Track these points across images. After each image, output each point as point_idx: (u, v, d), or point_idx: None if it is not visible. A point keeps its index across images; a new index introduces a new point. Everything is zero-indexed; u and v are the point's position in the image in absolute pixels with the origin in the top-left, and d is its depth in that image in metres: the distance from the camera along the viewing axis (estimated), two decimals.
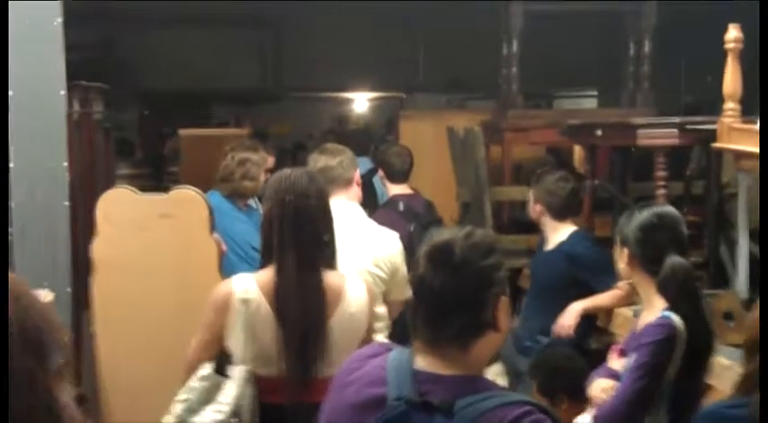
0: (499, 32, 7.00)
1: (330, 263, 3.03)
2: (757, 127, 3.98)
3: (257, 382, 2.92)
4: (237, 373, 2.89)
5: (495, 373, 4.88)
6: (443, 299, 1.97)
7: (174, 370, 3.04)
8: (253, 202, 5.09)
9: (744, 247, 4.32)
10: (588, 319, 4.66)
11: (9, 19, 3.76)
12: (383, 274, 3.81)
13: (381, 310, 3.80)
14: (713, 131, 4.31)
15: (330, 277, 2.98)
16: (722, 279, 4.64)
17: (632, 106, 6.99)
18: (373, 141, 9.15)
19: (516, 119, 6.75)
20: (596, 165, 5.55)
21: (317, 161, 3.93)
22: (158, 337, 4.03)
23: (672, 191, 4.93)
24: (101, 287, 4.16)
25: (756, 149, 3.84)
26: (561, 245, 4.72)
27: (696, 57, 8.74)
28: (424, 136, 7.50)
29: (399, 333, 3.51)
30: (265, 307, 2.90)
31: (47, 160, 4.13)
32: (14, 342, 1.47)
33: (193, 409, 2.88)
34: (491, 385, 2.01)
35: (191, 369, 2.95)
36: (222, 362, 2.95)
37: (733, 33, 4.07)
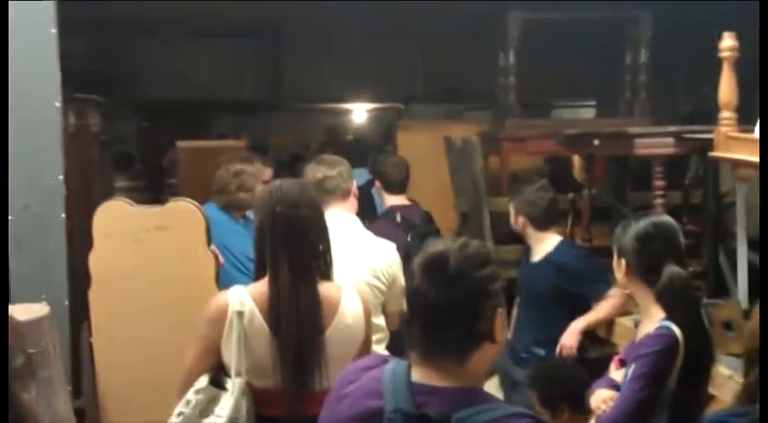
0: (497, 42, 7.00)
1: (326, 274, 3.01)
2: (754, 135, 3.98)
3: (253, 395, 2.91)
4: (233, 385, 2.88)
5: (495, 386, 4.87)
6: (438, 310, 1.96)
7: (171, 382, 3.02)
8: (250, 214, 5.07)
9: (743, 256, 4.32)
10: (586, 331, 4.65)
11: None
12: (381, 285, 3.81)
13: (380, 321, 3.79)
14: (710, 140, 4.31)
15: (326, 289, 2.96)
16: (722, 288, 4.63)
17: (630, 116, 6.99)
18: (371, 152, 9.15)
19: (514, 129, 6.75)
20: (594, 174, 5.54)
21: (316, 172, 3.93)
22: (156, 348, 4.02)
23: (670, 200, 4.93)
24: (98, 299, 4.15)
25: (753, 158, 3.84)
26: (548, 255, 4.72)
27: (693, 66, 8.75)
28: (423, 146, 7.48)
29: (398, 344, 3.50)
30: (259, 319, 2.88)
31: (42, 173, 4.13)
32: None
33: (191, 421, 2.88)
34: (489, 397, 1.99)
35: (187, 381, 2.94)
36: (218, 374, 2.93)
37: (728, 42, 4.07)
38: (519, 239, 5.12)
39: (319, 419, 2.18)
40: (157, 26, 9.65)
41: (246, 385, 2.89)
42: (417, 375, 1.99)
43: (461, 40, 9.28)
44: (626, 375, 3.07)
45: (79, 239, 4.44)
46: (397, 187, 5.43)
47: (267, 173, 5.77)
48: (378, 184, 5.53)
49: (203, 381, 2.92)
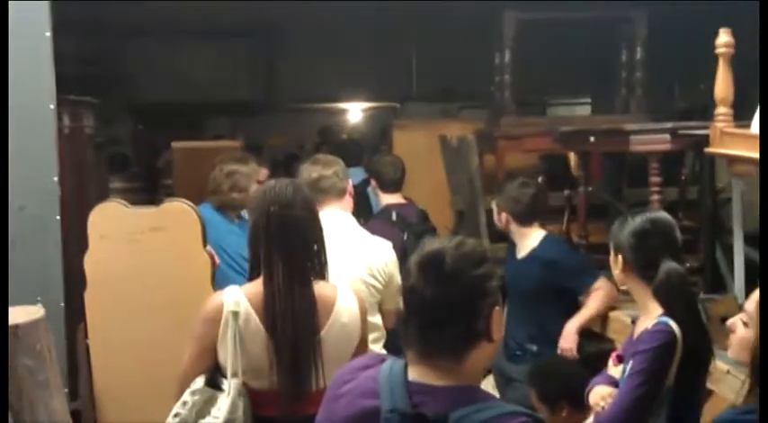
0: (492, 42, 7.00)
1: (321, 273, 3.01)
2: (750, 131, 3.98)
3: (250, 395, 2.90)
4: (230, 386, 2.87)
5: (491, 385, 4.87)
6: (435, 309, 1.95)
7: (168, 383, 3.02)
8: (245, 214, 5.06)
9: (739, 252, 4.32)
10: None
11: None
12: (378, 284, 3.80)
13: (376, 320, 3.79)
14: (706, 136, 4.31)
15: (321, 288, 2.95)
16: (718, 284, 4.64)
17: (626, 113, 6.98)
18: (366, 151, 9.14)
19: (509, 127, 6.74)
20: (590, 171, 5.54)
21: (311, 171, 3.93)
22: (152, 349, 4.01)
23: (667, 196, 4.92)
24: (94, 300, 4.14)
25: (749, 154, 3.84)
26: (534, 251, 4.74)
27: (688, 62, 8.75)
28: (418, 145, 7.48)
29: (395, 343, 3.50)
30: (254, 319, 2.87)
31: (37, 175, 4.12)
32: None
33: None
34: (486, 396, 1.99)
35: (184, 382, 2.93)
36: (215, 375, 2.93)
37: (724, 38, 4.07)
38: None
39: (316, 419, 2.17)
40: (152, 27, 9.64)
41: (243, 386, 2.89)
42: (414, 374, 1.98)
43: (457, 40, 9.27)
44: (624, 371, 3.06)
45: (74, 241, 4.43)
46: (393, 186, 5.43)
47: (262, 173, 5.76)
48: (373, 182, 5.54)
49: (200, 382, 2.91)
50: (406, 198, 5.53)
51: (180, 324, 3.48)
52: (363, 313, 3.05)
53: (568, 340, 4.55)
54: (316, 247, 3.00)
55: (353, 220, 4.01)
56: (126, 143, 10.71)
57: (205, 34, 10.34)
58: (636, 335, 3.14)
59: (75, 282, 4.25)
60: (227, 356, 2.87)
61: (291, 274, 2.89)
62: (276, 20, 9.82)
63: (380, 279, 3.82)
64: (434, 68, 10.31)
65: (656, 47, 7.14)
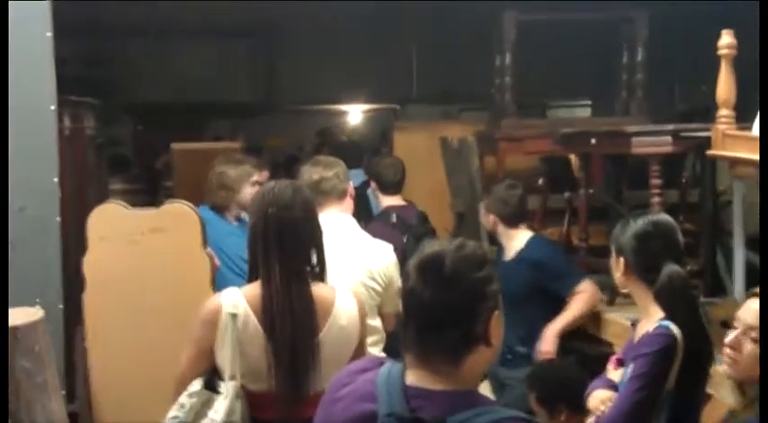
0: (493, 43, 6.99)
1: (320, 276, 3.00)
2: (752, 133, 3.96)
3: (248, 398, 2.89)
4: (227, 388, 2.86)
5: (488, 390, 4.87)
6: (433, 312, 1.93)
7: (166, 385, 3.01)
8: (245, 216, 5.06)
9: (740, 255, 4.31)
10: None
11: None
12: (378, 287, 3.79)
13: (376, 322, 3.78)
14: (707, 139, 4.30)
15: (320, 290, 2.95)
16: (719, 287, 4.63)
17: (626, 115, 6.97)
18: (366, 153, 9.14)
19: (510, 129, 6.73)
20: (591, 173, 5.53)
21: (312, 173, 3.92)
22: (151, 351, 4.00)
23: (667, 199, 4.91)
24: (93, 302, 4.13)
25: (751, 156, 3.83)
26: (521, 252, 4.75)
27: (688, 64, 8.75)
28: (419, 147, 7.48)
29: (394, 346, 3.49)
30: (253, 321, 2.87)
31: (38, 176, 4.11)
32: None
33: None
34: (485, 400, 1.97)
35: (182, 384, 2.92)
36: (213, 377, 2.92)
37: (726, 39, 4.06)
38: None
39: (315, 421, 2.15)
40: (152, 28, 9.64)
41: (241, 388, 2.88)
42: (412, 378, 1.96)
43: (457, 41, 9.28)
44: (624, 375, 3.05)
45: (74, 242, 4.42)
46: (393, 188, 5.42)
47: (263, 175, 5.75)
48: (373, 184, 5.53)
49: (197, 384, 2.90)
50: (406, 200, 5.52)
51: (179, 326, 3.47)
52: (362, 316, 3.05)
53: (548, 343, 4.57)
54: (314, 249, 2.99)
55: (354, 222, 4.00)
56: (126, 144, 10.70)
57: (205, 35, 10.34)
58: (636, 338, 3.13)
59: (74, 283, 4.24)
60: (224, 359, 2.87)
61: (289, 275, 2.88)
62: (276, 21, 9.83)
63: (380, 282, 3.81)
64: (434, 70, 10.31)
65: (656, 48, 7.13)
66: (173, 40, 10.26)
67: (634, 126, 5.35)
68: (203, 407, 2.88)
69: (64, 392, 3.41)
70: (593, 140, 5.07)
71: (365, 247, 3.88)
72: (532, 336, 4.63)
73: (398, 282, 3.73)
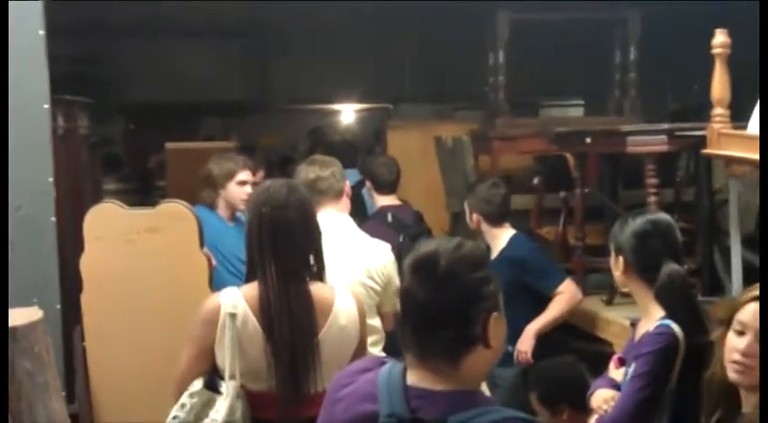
0: (486, 42, 6.98)
1: (318, 275, 3.00)
2: (747, 132, 3.97)
3: (248, 398, 2.89)
4: (228, 388, 2.86)
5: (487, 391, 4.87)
6: (428, 312, 1.93)
7: (165, 385, 3.01)
8: (241, 215, 5.05)
9: (736, 254, 4.31)
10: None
11: None
12: (376, 286, 3.79)
13: (375, 322, 3.77)
14: (702, 138, 4.31)
15: (319, 290, 2.94)
16: (717, 286, 4.64)
17: (619, 114, 6.98)
18: (360, 153, 9.13)
19: (504, 128, 6.73)
20: (586, 173, 5.53)
21: (308, 172, 3.90)
22: (149, 351, 3.99)
23: (662, 198, 4.92)
24: (90, 302, 4.12)
25: (746, 155, 3.83)
26: (504, 251, 4.76)
27: (681, 63, 8.76)
28: (412, 146, 7.47)
29: (394, 346, 3.49)
30: (252, 321, 2.86)
31: (32, 176, 4.10)
32: None
33: None
34: (486, 401, 1.95)
35: (182, 384, 2.92)
36: (213, 377, 2.91)
37: (720, 38, 4.06)
38: None
39: (318, 420, 2.15)
40: (144, 27, 9.60)
41: (241, 388, 2.87)
42: (413, 378, 1.95)
43: (450, 41, 9.26)
44: (626, 374, 3.05)
45: (70, 242, 4.41)
46: (388, 187, 5.42)
47: (259, 175, 5.76)
48: (368, 184, 5.53)
49: (198, 384, 2.90)
50: (401, 199, 5.52)
51: (177, 326, 3.46)
52: (362, 315, 3.05)
53: (524, 343, 4.57)
54: (311, 248, 2.98)
55: (351, 221, 3.99)
56: (118, 143, 10.68)
57: (198, 34, 10.30)
58: (637, 337, 3.13)
59: (71, 284, 4.23)
60: (224, 358, 2.86)
61: (285, 275, 2.88)
62: (269, 20, 9.79)
63: (379, 281, 3.80)
64: (427, 69, 10.30)
65: (648, 48, 7.14)
66: (165, 40, 10.23)
67: (629, 125, 5.35)
68: (204, 407, 2.87)
69: (64, 393, 3.40)
70: (589, 139, 5.07)
71: (363, 247, 3.87)
72: (518, 335, 4.62)
73: (397, 281, 3.74)
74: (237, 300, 2.89)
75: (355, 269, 3.74)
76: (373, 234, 4.11)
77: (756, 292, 2.47)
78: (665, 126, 4.86)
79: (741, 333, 2.45)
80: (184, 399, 2.89)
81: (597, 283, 5.10)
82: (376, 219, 5.32)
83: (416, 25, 9.42)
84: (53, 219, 4.15)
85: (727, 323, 2.52)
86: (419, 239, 4.31)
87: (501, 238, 4.81)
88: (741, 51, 4.10)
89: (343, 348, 2.95)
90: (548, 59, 8.88)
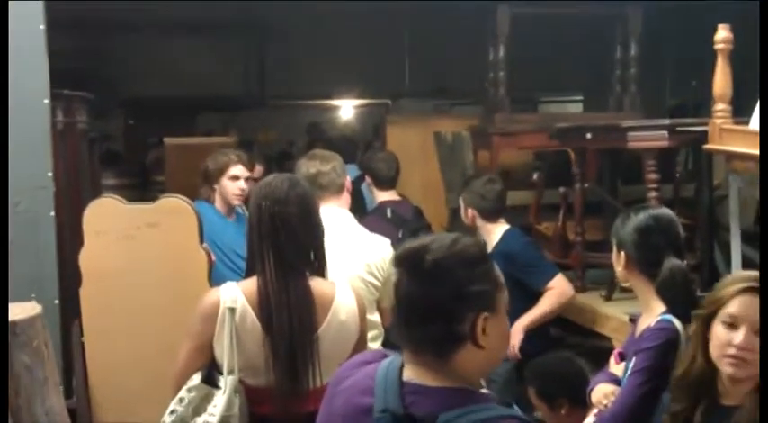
0: (486, 37, 6.97)
1: (319, 270, 2.99)
2: (748, 128, 3.97)
3: (246, 393, 2.89)
4: (226, 383, 2.85)
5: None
6: (415, 306, 1.92)
7: (164, 379, 3.01)
8: (240, 210, 5.04)
9: (736, 249, 4.31)
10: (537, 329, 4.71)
11: None
12: (376, 281, 3.77)
13: (375, 317, 3.76)
14: (703, 133, 4.31)
15: (319, 285, 2.94)
16: (716, 281, 4.61)
17: (619, 110, 6.97)
18: (359, 148, 9.13)
19: (504, 123, 6.72)
20: (586, 168, 5.52)
21: (309, 167, 3.89)
22: (148, 346, 3.98)
23: (661, 194, 4.91)
24: (89, 297, 4.10)
25: (748, 150, 3.83)
26: (497, 246, 4.76)
27: (680, 59, 8.76)
28: (412, 142, 7.46)
29: (393, 341, 3.48)
30: (251, 316, 2.86)
31: (31, 171, 4.09)
32: None
33: (185, 420, 2.86)
34: (481, 398, 1.93)
35: (180, 379, 2.92)
36: (212, 372, 2.91)
37: (722, 34, 4.06)
38: None
39: (319, 414, 2.14)
40: (144, 23, 9.61)
41: (239, 383, 2.88)
42: (409, 374, 1.94)
43: (449, 36, 9.26)
44: (626, 369, 3.05)
45: (69, 237, 4.40)
46: (388, 183, 5.41)
47: (257, 170, 5.75)
48: (368, 179, 5.52)
49: (196, 378, 2.90)
50: (400, 195, 5.51)
51: (176, 321, 3.46)
52: (362, 311, 3.04)
53: (513, 338, 4.55)
54: (311, 243, 2.98)
55: (351, 216, 3.98)
56: (116, 139, 10.68)
57: (197, 30, 10.31)
58: (638, 333, 3.12)
59: (70, 278, 4.22)
60: (223, 353, 2.86)
61: (284, 270, 2.88)
62: (268, 15, 9.80)
63: (378, 276, 3.79)
64: (426, 65, 10.30)
65: (648, 44, 7.14)
66: (165, 35, 10.23)
67: (630, 120, 5.35)
68: (202, 401, 2.88)
69: (62, 387, 3.39)
70: (589, 135, 5.07)
71: (363, 242, 3.86)
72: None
73: None
74: (236, 294, 2.88)
75: (355, 264, 3.73)
76: (373, 229, 4.10)
77: (742, 284, 2.46)
78: (666, 121, 4.85)
79: (732, 326, 2.45)
80: (183, 393, 2.89)
81: (596, 279, 5.11)
82: (375, 214, 5.31)
83: (415, 21, 9.42)
84: (52, 213, 4.14)
85: (708, 317, 2.51)
86: (419, 235, 4.31)
87: (495, 233, 4.82)
88: (741, 47, 4.09)
89: (343, 344, 2.94)
90: (547, 55, 8.88)
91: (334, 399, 2.07)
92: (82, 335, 4.14)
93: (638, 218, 3.14)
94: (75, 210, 4.37)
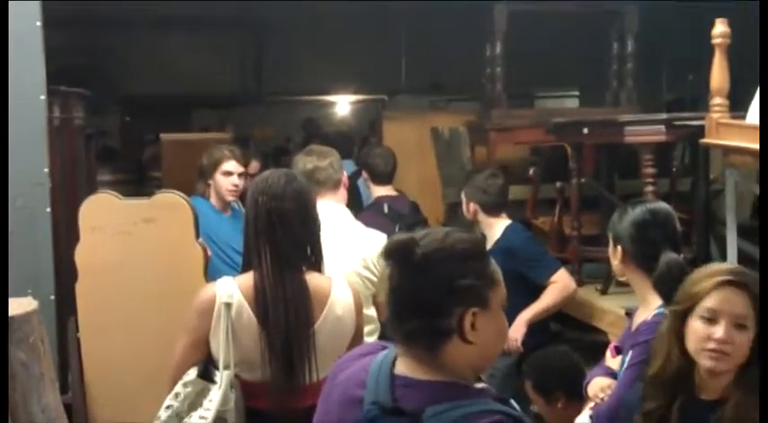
0: (482, 33, 6.97)
1: (315, 266, 2.99)
2: (745, 122, 3.96)
3: (242, 388, 2.89)
4: (222, 378, 2.85)
5: None
6: (403, 298, 1.92)
7: (160, 375, 3.01)
8: (236, 205, 5.04)
9: (732, 244, 4.31)
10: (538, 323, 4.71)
11: None
12: (372, 276, 3.78)
13: (371, 312, 3.77)
14: (700, 127, 4.31)
15: (315, 280, 2.94)
16: None
17: (616, 105, 6.98)
18: (355, 144, 9.12)
19: (500, 119, 6.73)
20: (583, 163, 5.53)
21: (306, 162, 3.89)
22: (145, 342, 3.98)
23: (658, 188, 4.92)
24: (85, 293, 4.09)
25: (745, 144, 3.83)
26: (498, 241, 4.76)
27: (676, 54, 8.77)
28: (408, 137, 7.46)
29: (389, 336, 3.48)
30: (247, 311, 2.86)
31: (28, 166, 4.09)
32: None
33: (180, 415, 2.86)
34: (472, 393, 1.91)
35: (177, 374, 2.92)
36: (208, 367, 2.91)
37: (720, 28, 4.05)
38: None
39: (318, 406, 2.14)
40: (140, 20, 9.59)
41: (235, 378, 2.88)
42: (401, 367, 1.94)
43: (445, 32, 9.26)
44: (623, 363, 3.04)
45: (65, 233, 4.39)
46: (385, 178, 5.41)
47: (254, 166, 5.74)
48: (365, 174, 5.52)
49: (192, 373, 2.90)
50: (397, 190, 5.51)
51: (172, 316, 3.46)
52: (359, 306, 3.04)
53: (517, 331, 4.56)
54: (308, 238, 2.97)
55: (348, 212, 3.99)
56: (113, 135, 10.66)
57: (193, 27, 10.30)
58: (634, 326, 3.11)
59: (66, 274, 4.22)
60: (219, 348, 2.86)
61: (281, 265, 2.88)
62: (264, 12, 9.78)
63: (375, 271, 3.79)
64: (423, 61, 10.29)
65: (644, 39, 7.14)
66: (161, 32, 10.22)
67: (627, 115, 5.35)
68: (198, 396, 2.88)
69: (57, 383, 3.39)
70: (586, 130, 5.07)
71: (359, 237, 3.86)
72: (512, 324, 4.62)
73: None
74: (233, 289, 2.88)
75: (351, 259, 3.73)
76: (369, 224, 4.10)
77: (719, 278, 2.47)
78: (663, 116, 4.86)
79: (711, 320, 2.45)
80: (178, 388, 2.89)
81: (592, 273, 5.11)
82: (372, 209, 5.31)
83: (412, 17, 9.42)
84: (48, 209, 4.15)
85: (684, 313, 2.52)
86: (415, 230, 4.30)
87: (496, 227, 4.82)
88: (739, 42, 4.09)
89: (340, 338, 2.94)
90: (544, 51, 8.87)
91: (332, 391, 2.07)
92: (78, 330, 4.14)
93: (635, 212, 3.14)
94: (72, 206, 4.36)
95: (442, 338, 1.89)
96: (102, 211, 4.10)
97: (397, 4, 8.77)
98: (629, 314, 3.36)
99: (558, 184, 5.54)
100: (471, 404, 1.85)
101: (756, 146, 3.54)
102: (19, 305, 2.85)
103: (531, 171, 5.85)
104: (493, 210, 4.85)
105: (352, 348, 2.61)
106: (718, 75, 4.10)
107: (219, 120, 11.30)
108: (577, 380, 3.38)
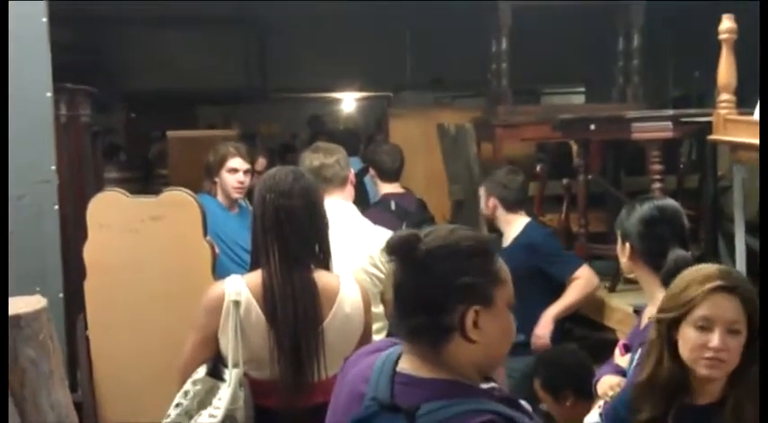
0: (487, 29, 6.97)
1: (324, 263, 2.99)
2: (753, 118, 3.95)
3: (251, 386, 2.90)
4: (231, 376, 2.85)
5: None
6: (405, 295, 1.92)
7: (169, 373, 3.01)
8: (243, 203, 5.04)
9: (740, 240, 4.30)
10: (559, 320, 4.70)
11: None
12: (380, 273, 3.78)
13: (379, 309, 3.77)
14: (707, 124, 4.30)
15: (324, 278, 2.94)
16: None
17: (622, 101, 6.96)
18: (361, 141, 9.12)
19: (507, 115, 6.72)
20: (590, 160, 5.52)
21: (313, 160, 3.89)
22: (153, 339, 3.98)
23: (665, 185, 4.90)
24: (94, 291, 4.10)
25: (752, 140, 3.81)
26: (518, 238, 4.76)
27: (682, 51, 8.76)
28: (414, 134, 7.46)
29: (394, 332, 3.48)
30: (256, 309, 2.87)
31: (35, 164, 4.08)
32: None
33: (190, 413, 2.86)
34: (472, 392, 1.89)
35: (186, 372, 2.93)
36: (217, 365, 2.91)
37: (727, 24, 4.04)
38: None
39: (330, 402, 2.14)
40: (147, 18, 9.61)
41: (244, 376, 2.88)
42: (404, 364, 1.93)
43: (451, 28, 9.25)
44: (632, 361, 3.04)
45: (73, 230, 4.39)
46: (392, 175, 5.41)
47: (260, 163, 5.74)
48: (372, 172, 5.51)
49: (201, 371, 2.91)
50: (404, 187, 5.51)
51: (181, 314, 3.46)
52: (367, 303, 3.04)
53: (543, 327, 4.57)
54: (316, 236, 2.97)
55: (355, 209, 3.99)
56: (119, 132, 10.68)
57: (198, 23, 10.31)
58: (643, 324, 3.11)
59: (74, 272, 4.22)
60: (227, 346, 2.86)
61: (289, 262, 2.88)
62: (269, 8, 9.79)
63: (382, 268, 3.78)
64: (428, 58, 10.30)
65: (650, 35, 7.13)
66: (167, 29, 10.24)
67: (634, 111, 5.34)
68: (207, 394, 2.89)
69: (67, 381, 3.39)
70: (593, 126, 5.06)
71: (367, 234, 3.86)
72: (531, 324, 4.60)
73: None
74: (241, 287, 2.89)
75: (359, 257, 3.73)
76: (376, 221, 4.10)
77: (710, 284, 2.42)
78: (670, 112, 4.84)
79: (705, 329, 2.42)
80: (188, 386, 2.90)
81: (600, 270, 5.09)
82: (379, 206, 5.31)
83: (417, 13, 9.41)
84: (56, 207, 4.14)
85: (675, 320, 2.48)
86: (422, 227, 4.30)
87: (515, 224, 4.81)
88: (745, 38, 4.08)
89: (348, 336, 2.94)
90: (550, 47, 8.87)
91: (343, 387, 2.08)
92: (86, 328, 4.15)
93: (643, 209, 3.13)
94: (79, 203, 4.36)
95: (445, 336, 1.88)
96: (110, 209, 4.10)
97: (398, 3, 8.78)
98: (638, 311, 3.34)
99: (565, 181, 5.53)
100: (465, 403, 1.83)
101: None
102: (27, 303, 2.85)
103: (537, 168, 5.84)
104: (513, 205, 4.84)
105: (360, 346, 2.61)
106: (725, 70, 4.08)
107: (225, 117, 11.31)
108: (586, 378, 3.38)
